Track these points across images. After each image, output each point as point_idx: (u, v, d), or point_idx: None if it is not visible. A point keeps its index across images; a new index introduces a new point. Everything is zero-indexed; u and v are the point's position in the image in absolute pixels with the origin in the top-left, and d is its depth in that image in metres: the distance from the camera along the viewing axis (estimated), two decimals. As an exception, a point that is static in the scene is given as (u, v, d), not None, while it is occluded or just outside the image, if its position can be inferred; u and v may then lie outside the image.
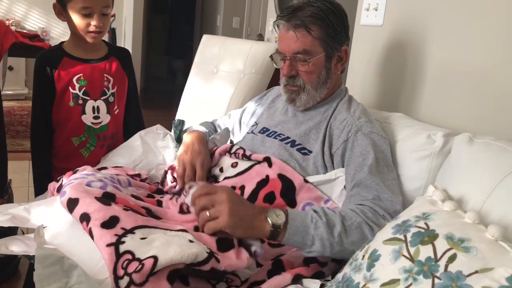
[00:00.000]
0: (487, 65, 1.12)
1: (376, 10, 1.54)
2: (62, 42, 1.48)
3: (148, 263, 0.74)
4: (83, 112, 1.45)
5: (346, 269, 0.84)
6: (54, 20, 4.11)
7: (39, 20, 4.05)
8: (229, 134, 1.46)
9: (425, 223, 0.76)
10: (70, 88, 1.42)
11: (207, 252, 0.80)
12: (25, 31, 3.89)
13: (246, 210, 0.91)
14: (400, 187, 1.08)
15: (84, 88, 1.44)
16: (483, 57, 1.13)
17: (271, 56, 1.25)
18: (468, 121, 1.16)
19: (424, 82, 1.32)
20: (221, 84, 1.93)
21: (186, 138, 1.24)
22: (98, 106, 1.47)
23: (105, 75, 1.48)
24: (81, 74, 1.43)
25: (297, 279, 0.90)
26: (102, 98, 1.47)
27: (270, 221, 0.89)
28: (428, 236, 0.72)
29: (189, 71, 2.13)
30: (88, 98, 1.45)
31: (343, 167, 1.11)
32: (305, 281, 0.90)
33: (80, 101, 1.44)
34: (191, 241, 0.83)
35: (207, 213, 0.90)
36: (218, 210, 0.89)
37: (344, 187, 1.07)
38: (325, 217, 0.91)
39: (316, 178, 1.10)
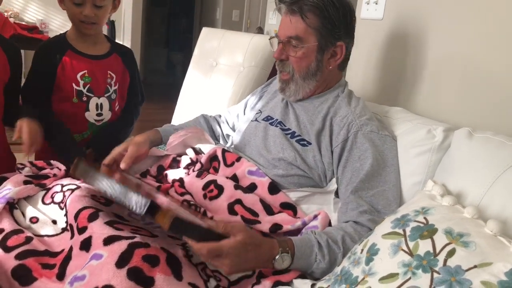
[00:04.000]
0: (487, 60, 1.11)
1: (376, 3, 1.53)
2: (65, 32, 1.45)
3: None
4: (87, 109, 1.43)
5: (345, 263, 0.85)
6: (53, 12, 4.08)
7: (38, 12, 4.02)
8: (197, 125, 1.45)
9: (424, 218, 0.76)
10: (74, 84, 1.40)
11: None
12: (23, 23, 3.85)
13: (250, 261, 0.88)
14: (399, 187, 1.07)
15: (88, 85, 1.42)
16: (483, 52, 1.13)
17: (270, 39, 1.26)
18: (467, 115, 1.16)
19: (423, 76, 1.32)
20: (220, 77, 1.93)
21: None
22: (101, 103, 1.45)
23: (108, 72, 1.46)
24: (86, 71, 1.41)
25: (276, 285, 0.89)
26: (106, 95, 1.46)
27: (275, 266, 0.91)
28: (427, 231, 0.73)
29: (188, 64, 2.12)
30: (92, 95, 1.43)
31: (338, 165, 1.10)
32: (296, 282, 0.89)
33: (84, 98, 1.42)
34: None
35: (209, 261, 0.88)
36: (221, 263, 0.86)
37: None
38: (328, 255, 0.94)
39: (312, 189, 1.11)
